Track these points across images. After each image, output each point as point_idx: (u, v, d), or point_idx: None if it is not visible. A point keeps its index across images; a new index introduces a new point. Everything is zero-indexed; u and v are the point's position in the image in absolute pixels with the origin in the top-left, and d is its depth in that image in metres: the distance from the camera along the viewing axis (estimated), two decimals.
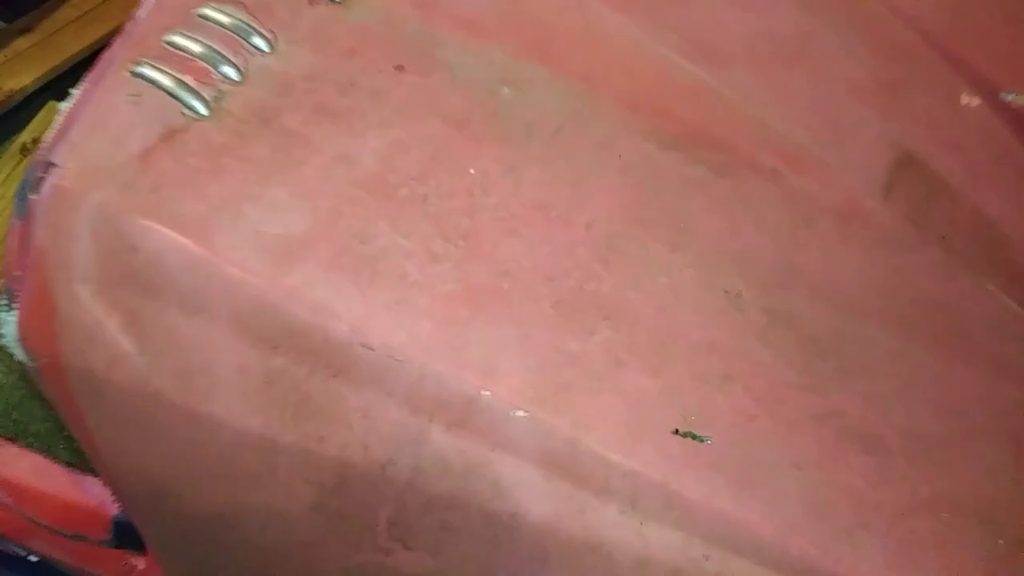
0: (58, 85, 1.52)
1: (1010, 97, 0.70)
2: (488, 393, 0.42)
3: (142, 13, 0.48)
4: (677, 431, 0.44)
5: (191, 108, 0.45)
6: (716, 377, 0.46)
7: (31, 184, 0.42)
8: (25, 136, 1.43)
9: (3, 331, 0.44)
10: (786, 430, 0.46)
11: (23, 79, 1.43)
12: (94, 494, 0.58)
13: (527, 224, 0.47)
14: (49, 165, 0.42)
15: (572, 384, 0.43)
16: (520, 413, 0.42)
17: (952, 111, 0.68)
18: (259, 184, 0.43)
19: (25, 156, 1.37)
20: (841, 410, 0.49)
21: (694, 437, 0.44)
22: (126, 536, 0.57)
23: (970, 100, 0.70)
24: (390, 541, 0.45)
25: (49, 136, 0.44)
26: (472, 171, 0.47)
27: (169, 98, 0.44)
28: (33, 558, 0.62)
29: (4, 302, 0.44)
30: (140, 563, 0.56)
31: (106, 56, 0.47)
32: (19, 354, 0.44)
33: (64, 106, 0.46)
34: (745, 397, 0.46)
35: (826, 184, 0.57)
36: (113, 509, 0.57)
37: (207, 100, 0.45)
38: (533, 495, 0.43)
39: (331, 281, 0.42)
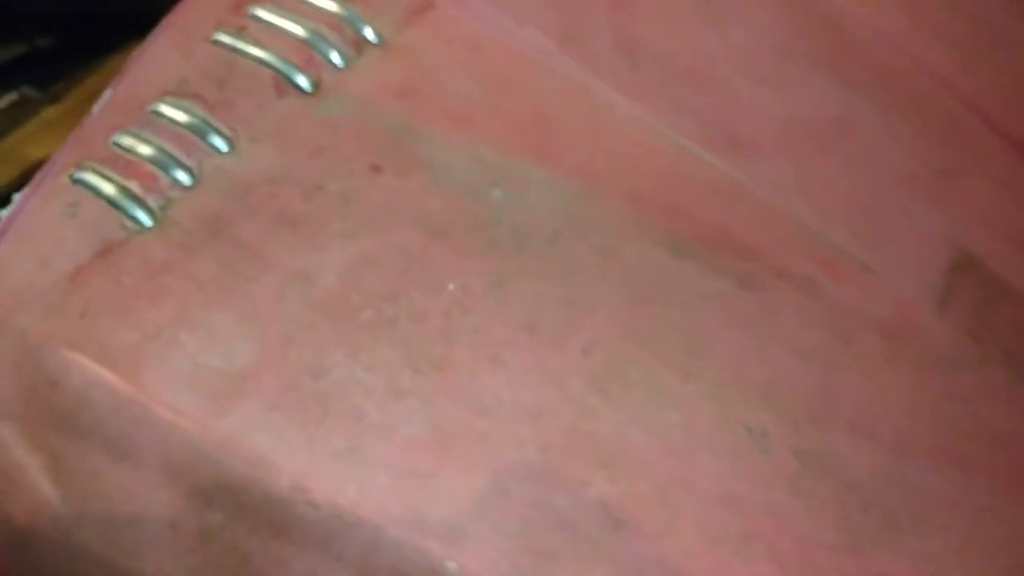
0: None
1: None
2: (454, 564, 0.35)
3: (96, 109, 0.44)
4: None
5: (134, 219, 0.40)
6: (735, 538, 0.39)
7: None
8: None
9: None
10: None
11: (48, 148, 1.43)
12: None
13: (512, 349, 0.41)
14: None
15: (558, 553, 0.36)
16: (452, 564, 0.35)
17: (1017, 202, 0.61)
18: (202, 308, 0.38)
19: None
20: (887, 573, 0.41)
21: None
22: None
23: None
24: None
25: None
26: (451, 287, 0.41)
27: (110, 208, 0.40)
28: None
29: None
30: None
31: (52, 158, 0.42)
32: None
33: (2, 214, 0.42)
34: (771, 563, 0.39)
35: (871, 294, 0.50)
36: None
37: (153, 209, 0.40)
38: None
39: (273, 425, 0.36)
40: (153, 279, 0.38)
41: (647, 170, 0.50)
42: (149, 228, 0.40)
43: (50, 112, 1.50)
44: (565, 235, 0.45)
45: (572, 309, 0.43)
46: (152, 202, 0.40)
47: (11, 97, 1.64)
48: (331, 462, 0.36)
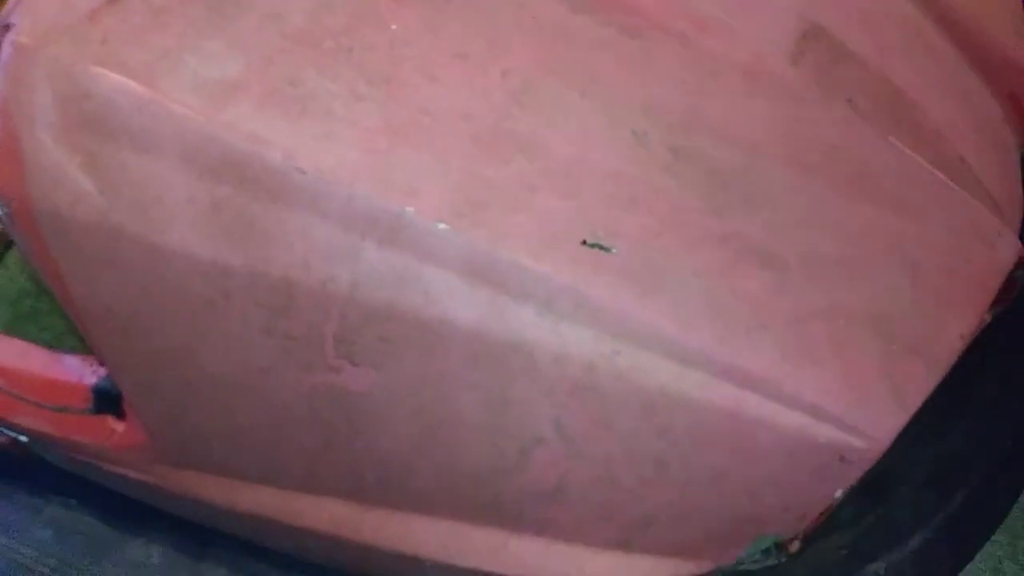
0: None
1: None
2: (411, 209, 0.47)
3: None
4: (585, 242, 0.49)
5: None
6: (623, 200, 0.51)
7: None
8: None
9: None
10: (689, 245, 0.51)
11: None
12: (73, 368, 0.63)
13: (446, 71, 0.52)
14: (7, 26, 0.47)
15: (489, 203, 0.48)
16: (442, 226, 0.47)
17: None
18: (197, 37, 0.48)
19: None
20: (742, 232, 0.54)
21: (602, 247, 0.49)
22: (105, 403, 0.61)
23: None
24: (338, 359, 0.50)
25: (9, 4, 0.49)
26: (393, 27, 0.52)
27: None
28: (23, 438, 0.67)
29: None
30: (119, 427, 0.61)
31: None
32: None
33: None
34: (650, 217, 0.51)
35: (734, 46, 0.62)
36: (92, 379, 0.62)
37: None
38: (459, 302, 0.48)
39: (264, 116, 0.47)
40: (155, 18, 0.48)
41: None
42: None
43: None
44: None
45: (493, 45, 0.54)
46: None
47: None
48: (311, 142, 0.47)
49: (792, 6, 0.68)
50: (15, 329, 0.81)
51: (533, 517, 0.57)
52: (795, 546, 0.63)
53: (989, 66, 0.75)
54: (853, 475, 0.53)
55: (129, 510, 0.85)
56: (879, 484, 0.82)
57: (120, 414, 0.61)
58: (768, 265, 0.53)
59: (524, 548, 0.58)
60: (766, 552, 0.61)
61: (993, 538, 0.92)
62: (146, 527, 0.84)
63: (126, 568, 0.82)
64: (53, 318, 0.80)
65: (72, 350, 0.65)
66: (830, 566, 0.76)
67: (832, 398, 0.51)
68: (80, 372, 0.62)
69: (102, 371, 0.62)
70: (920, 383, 0.54)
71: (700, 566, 0.59)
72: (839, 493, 0.55)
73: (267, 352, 0.50)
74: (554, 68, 0.55)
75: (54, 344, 0.73)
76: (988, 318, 0.64)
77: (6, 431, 0.67)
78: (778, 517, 0.56)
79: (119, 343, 0.52)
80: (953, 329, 0.57)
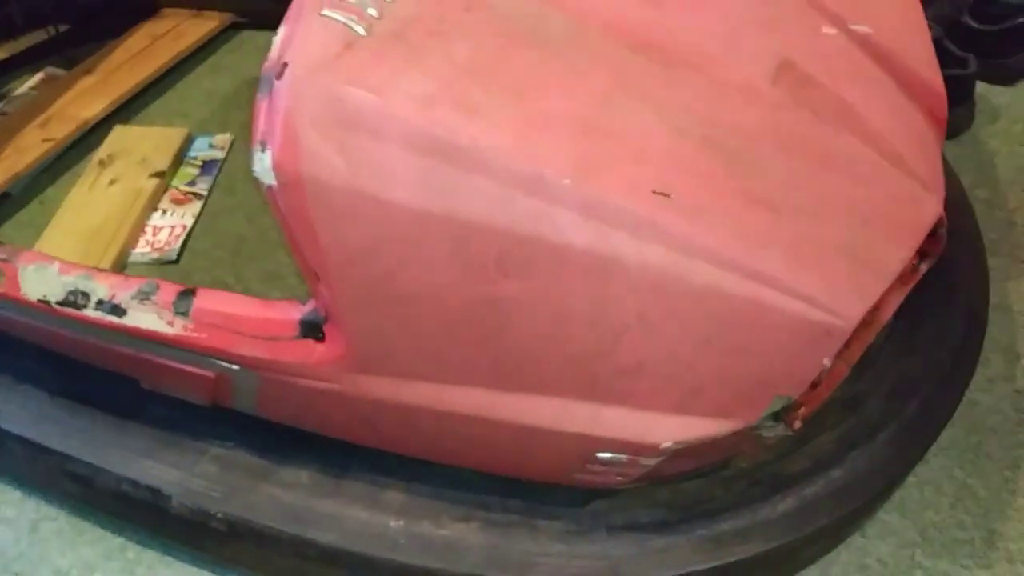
0: (117, 113, 1.84)
1: (856, 27, 1.05)
2: (548, 170, 0.73)
3: None
4: (654, 191, 0.76)
5: (355, 31, 0.76)
6: (674, 168, 0.78)
7: (275, 74, 0.74)
8: (101, 153, 1.75)
9: (256, 167, 0.75)
10: (716, 195, 0.78)
11: (93, 109, 1.76)
12: (282, 308, 0.88)
13: (554, 89, 0.79)
14: (284, 64, 0.74)
15: (594, 168, 0.75)
16: (567, 181, 0.73)
17: (817, 37, 1.03)
18: (404, 69, 0.75)
19: (104, 168, 1.68)
20: (749, 189, 0.81)
21: (664, 195, 0.76)
22: (308, 330, 0.86)
23: (829, 30, 1.05)
24: (496, 274, 0.75)
25: (276, 49, 0.76)
26: (517, 61, 0.80)
27: (343, 25, 0.76)
28: (235, 367, 0.91)
29: (259, 148, 0.74)
30: (319, 347, 0.86)
31: (296, 5, 0.79)
32: (268, 179, 0.75)
33: (279, 33, 0.77)
34: (692, 177, 0.78)
35: (732, 73, 0.91)
36: (297, 315, 0.87)
37: (364, 26, 0.77)
38: (576, 231, 0.74)
39: (454, 115, 0.73)
40: (377, 57, 0.75)
41: (615, 14, 0.89)
42: (364, 35, 0.76)
43: (85, 81, 1.81)
44: (575, 43, 0.84)
45: (582, 73, 0.82)
46: (363, 23, 0.77)
47: (39, 76, 1.95)
48: (484, 130, 0.73)
49: (769, 47, 0.98)
50: None
51: (619, 390, 0.82)
52: (797, 425, 0.89)
53: (911, 88, 1.05)
54: (834, 346, 0.80)
55: (278, 446, 1.08)
56: (855, 398, 1.10)
57: (320, 337, 0.86)
58: (769, 210, 0.80)
59: (612, 415, 0.83)
60: (776, 416, 0.87)
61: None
62: (294, 458, 1.07)
63: (282, 488, 1.05)
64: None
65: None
66: (824, 455, 1.02)
67: (820, 292, 0.77)
68: (288, 310, 0.87)
69: (305, 308, 0.87)
70: (874, 287, 0.81)
71: (735, 424, 0.84)
72: (827, 361, 0.81)
73: (450, 272, 0.76)
74: (623, 87, 0.83)
75: None
76: (924, 268, 0.92)
77: (221, 362, 0.91)
78: (786, 379, 0.82)
79: (348, 272, 0.78)
80: (894, 255, 0.85)
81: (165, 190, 1.64)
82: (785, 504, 0.98)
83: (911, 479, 1.16)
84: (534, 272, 0.75)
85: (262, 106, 0.75)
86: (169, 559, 1.17)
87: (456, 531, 0.99)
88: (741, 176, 0.81)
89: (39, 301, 0.95)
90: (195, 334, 0.89)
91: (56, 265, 0.96)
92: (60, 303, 0.94)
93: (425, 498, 1.01)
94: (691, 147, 0.81)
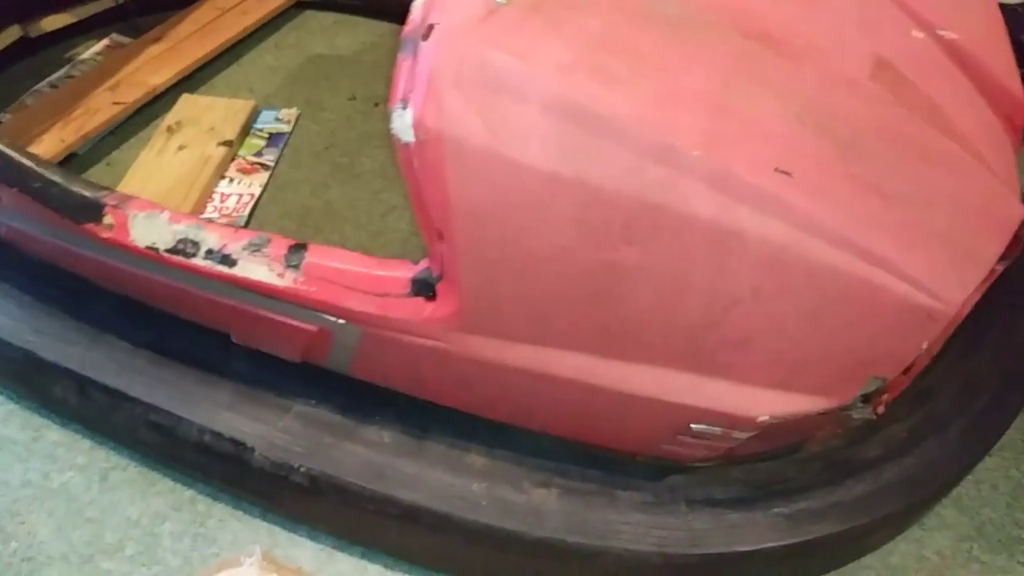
0: (183, 83, 1.87)
1: (943, 33, 1.08)
2: (678, 141, 0.76)
3: None
4: (777, 169, 0.79)
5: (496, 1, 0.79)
6: (794, 150, 0.81)
7: (422, 35, 0.76)
8: (169, 120, 1.78)
9: (396, 124, 0.77)
10: (830, 177, 0.81)
11: (163, 76, 1.78)
12: (395, 266, 0.90)
13: (679, 69, 0.82)
14: (431, 26, 0.77)
15: (722, 143, 0.78)
16: (696, 153, 0.76)
17: (908, 40, 1.06)
18: (543, 38, 0.78)
19: (172, 134, 1.71)
20: (859, 174, 0.84)
21: (786, 173, 0.79)
22: (420, 288, 0.89)
23: (918, 34, 1.08)
24: (619, 241, 0.78)
25: (418, 11, 0.78)
26: (644, 40, 0.83)
27: None
28: (341, 321, 0.93)
29: (400, 106, 0.77)
30: (430, 306, 0.89)
31: None
32: (407, 137, 0.77)
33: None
34: (809, 159, 0.81)
35: (841, 66, 0.94)
36: (410, 273, 0.89)
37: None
38: (702, 202, 0.77)
39: (591, 83, 0.76)
40: (519, 24, 0.78)
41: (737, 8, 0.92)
42: (503, 3, 0.79)
43: (154, 49, 1.83)
44: (700, 28, 0.87)
45: (704, 59, 0.85)
46: None
47: (105, 42, 1.98)
48: (620, 100, 0.76)
49: (866, 45, 1.01)
50: None
51: (722, 362, 0.85)
52: (881, 409, 0.92)
53: (992, 94, 1.09)
54: (935, 330, 0.83)
55: (359, 406, 1.11)
56: (928, 392, 1.13)
57: (431, 296, 0.89)
58: (879, 196, 0.83)
59: (713, 387, 0.86)
60: (867, 398, 0.90)
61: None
62: (376, 418, 1.09)
63: (363, 445, 1.07)
64: None
65: None
66: (896, 443, 1.05)
67: (925, 276, 0.80)
68: (400, 268, 0.90)
69: (418, 267, 0.89)
70: (974, 275, 0.84)
71: (829, 402, 0.87)
72: (925, 344, 0.84)
73: (573, 236, 0.79)
74: (742, 71, 0.86)
75: None
76: (1001, 268, 0.95)
77: (327, 316, 0.93)
78: (885, 359, 0.84)
79: (474, 231, 0.80)
80: (989, 247, 0.88)
81: (232, 159, 1.67)
82: (859, 488, 1.01)
83: (968, 477, 1.19)
84: (657, 240, 0.78)
85: (404, 65, 0.78)
86: (240, 512, 1.19)
87: (536, 496, 1.01)
88: (853, 162, 0.84)
89: (148, 248, 0.98)
90: (305, 287, 0.92)
91: (166, 213, 0.99)
92: (169, 250, 0.97)
93: (506, 463, 1.04)
94: (808, 132, 0.84)
